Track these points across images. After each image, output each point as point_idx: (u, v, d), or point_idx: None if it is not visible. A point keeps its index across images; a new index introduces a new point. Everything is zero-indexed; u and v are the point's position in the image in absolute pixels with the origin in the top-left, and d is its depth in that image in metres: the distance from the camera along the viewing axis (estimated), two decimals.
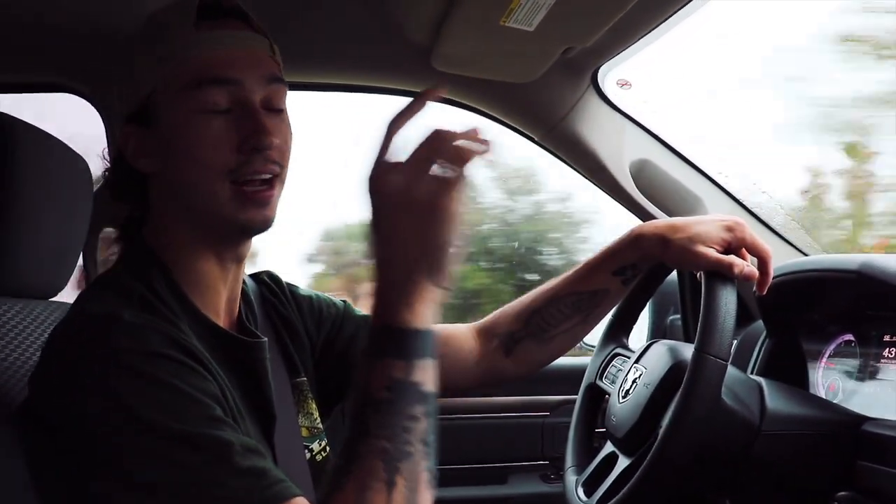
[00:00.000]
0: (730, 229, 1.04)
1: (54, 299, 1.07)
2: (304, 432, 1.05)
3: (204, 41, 0.86)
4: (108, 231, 1.31)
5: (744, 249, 1.04)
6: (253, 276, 1.13)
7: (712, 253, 1.01)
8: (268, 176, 0.88)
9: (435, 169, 0.68)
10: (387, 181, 0.69)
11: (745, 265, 1.01)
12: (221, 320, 0.94)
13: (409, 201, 0.68)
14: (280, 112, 0.91)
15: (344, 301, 1.21)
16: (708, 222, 1.05)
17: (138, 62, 0.89)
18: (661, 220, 1.13)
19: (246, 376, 0.93)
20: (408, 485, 0.66)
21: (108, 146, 1.46)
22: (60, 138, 1.03)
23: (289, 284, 1.15)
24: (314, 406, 1.07)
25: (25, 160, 0.94)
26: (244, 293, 1.02)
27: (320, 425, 1.07)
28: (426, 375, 0.68)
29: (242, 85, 0.87)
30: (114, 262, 0.93)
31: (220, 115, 0.86)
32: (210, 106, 0.85)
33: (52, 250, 1.02)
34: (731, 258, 1.00)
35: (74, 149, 1.05)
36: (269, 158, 0.87)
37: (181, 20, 0.87)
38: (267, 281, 1.13)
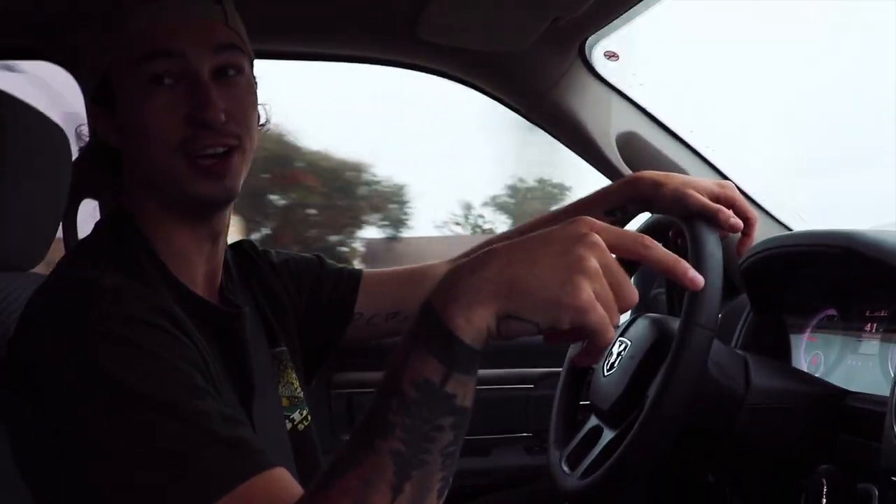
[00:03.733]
0: (721, 186, 1.06)
1: (32, 271, 1.06)
2: (285, 402, 1.05)
3: (147, 14, 0.84)
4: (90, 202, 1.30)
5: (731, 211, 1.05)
6: (232, 246, 1.12)
7: (702, 197, 1.02)
8: (221, 150, 0.86)
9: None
10: (593, 229, 0.61)
11: (732, 215, 1.02)
12: (201, 290, 0.94)
13: (585, 260, 0.59)
14: (235, 79, 0.88)
15: (318, 256, 1.21)
16: (701, 178, 1.09)
17: (94, 41, 0.88)
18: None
19: (226, 346, 0.92)
20: (416, 494, 0.61)
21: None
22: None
23: (265, 251, 1.15)
24: (294, 376, 1.08)
25: (1, 130, 0.92)
26: (225, 264, 1.01)
27: (301, 394, 1.08)
28: (463, 391, 0.61)
29: (186, 56, 0.85)
30: (94, 229, 0.92)
31: (166, 87, 0.84)
32: (153, 79, 0.84)
33: (31, 221, 1.00)
34: (719, 206, 1.02)
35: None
36: (222, 132, 0.86)
37: None
38: (247, 250, 1.13)
